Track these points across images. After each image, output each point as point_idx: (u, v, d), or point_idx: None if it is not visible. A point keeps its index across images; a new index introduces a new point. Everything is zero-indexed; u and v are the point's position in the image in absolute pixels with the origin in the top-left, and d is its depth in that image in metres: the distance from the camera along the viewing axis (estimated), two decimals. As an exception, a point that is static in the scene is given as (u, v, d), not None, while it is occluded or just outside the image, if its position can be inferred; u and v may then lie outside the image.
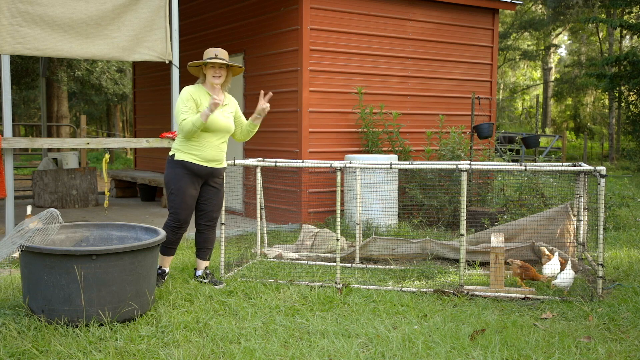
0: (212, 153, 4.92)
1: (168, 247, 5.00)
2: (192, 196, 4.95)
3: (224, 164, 5.12)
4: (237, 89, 9.10)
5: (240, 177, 9.01)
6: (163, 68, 9.98)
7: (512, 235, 5.95)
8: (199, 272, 5.18)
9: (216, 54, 4.90)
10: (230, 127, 5.03)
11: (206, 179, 5.01)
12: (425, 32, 8.97)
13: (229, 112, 5.05)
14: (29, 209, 5.65)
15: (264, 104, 5.02)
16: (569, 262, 4.99)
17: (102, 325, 3.95)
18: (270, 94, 5.13)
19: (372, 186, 7.23)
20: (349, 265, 5.86)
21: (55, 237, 4.36)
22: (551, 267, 5.05)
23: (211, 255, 5.29)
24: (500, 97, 35.80)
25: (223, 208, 5.36)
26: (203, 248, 5.18)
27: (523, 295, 4.78)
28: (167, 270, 5.08)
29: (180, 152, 4.91)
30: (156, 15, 6.53)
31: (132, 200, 11.14)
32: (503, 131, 21.60)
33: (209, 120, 4.80)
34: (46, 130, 12.31)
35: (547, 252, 5.34)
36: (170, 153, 5.01)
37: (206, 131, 4.86)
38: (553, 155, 15.82)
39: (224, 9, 9.60)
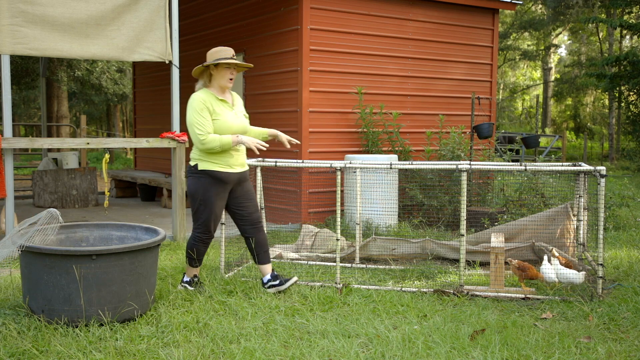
0: (236, 157, 4.70)
1: (199, 259, 4.85)
2: (220, 206, 4.74)
3: (247, 166, 4.92)
4: (238, 89, 9.10)
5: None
6: (163, 68, 9.97)
7: (512, 235, 5.95)
8: (267, 278, 4.86)
9: (232, 53, 4.65)
10: (245, 127, 4.83)
11: (234, 186, 4.78)
12: (425, 32, 8.97)
13: (240, 112, 4.85)
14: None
15: (285, 141, 5.09)
16: (545, 256, 5.00)
17: (102, 325, 3.95)
18: (295, 141, 5.23)
19: (372, 186, 7.22)
20: (349, 265, 5.86)
21: (55, 237, 4.36)
22: (546, 269, 5.01)
23: (269, 256, 5.00)
24: (500, 97, 35.80)
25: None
26: (260, 252, 4.91)
27: (523, 295, 4.78)
28: (197, 274, 4.97)
29: (204, 161, 4.63)
30: (156, 15, 6.53)
31: (132, 200, 11.14)
32: (503, 131, 21.60)
33: (224, 129, 4.60)
34: (46, 130, 12.31)
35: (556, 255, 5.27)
36: (192, 163, 4.70)
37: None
38: (553, 155, 15.80)
39: (224, 9, 9.60)
